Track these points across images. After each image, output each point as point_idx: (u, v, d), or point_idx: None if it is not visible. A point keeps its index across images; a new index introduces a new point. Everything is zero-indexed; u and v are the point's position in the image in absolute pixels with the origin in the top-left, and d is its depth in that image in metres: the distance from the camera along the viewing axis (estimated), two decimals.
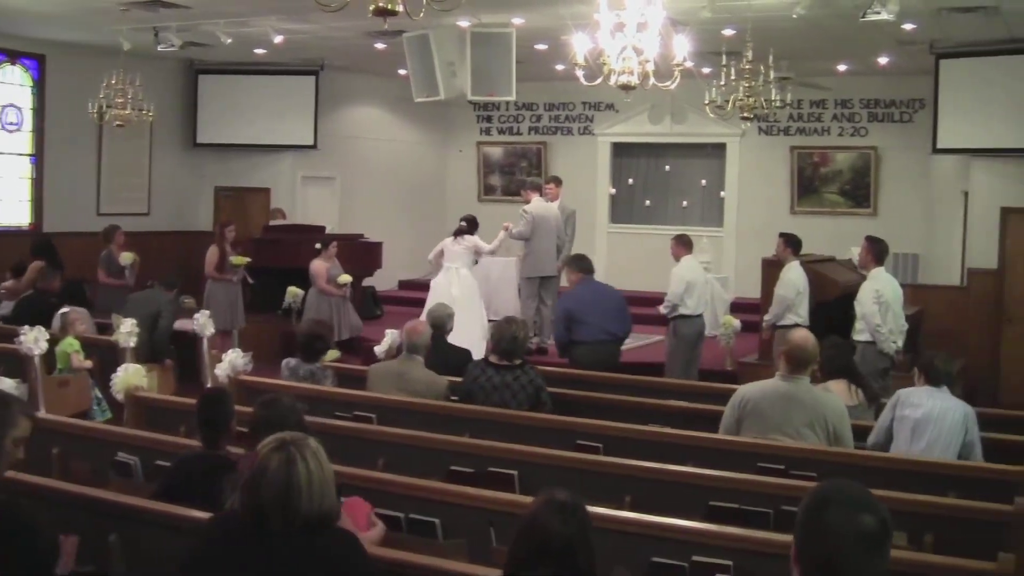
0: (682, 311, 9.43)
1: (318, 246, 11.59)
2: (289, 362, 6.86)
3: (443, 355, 7.11)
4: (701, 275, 9.70)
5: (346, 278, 11.55)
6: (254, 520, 2.88)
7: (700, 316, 9.60)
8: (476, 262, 11.33)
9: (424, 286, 12.23)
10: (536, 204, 11.10)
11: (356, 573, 2.94)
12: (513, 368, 6.30)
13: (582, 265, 8.71)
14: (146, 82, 11.71)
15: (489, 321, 10.28)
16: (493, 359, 6.39)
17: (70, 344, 8.04)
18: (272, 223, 13.98)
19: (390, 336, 7.86)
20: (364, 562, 2.97)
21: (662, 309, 9.56)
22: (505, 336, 6.32)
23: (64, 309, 8.33)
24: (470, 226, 11.18)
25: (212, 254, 11.55)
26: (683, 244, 9.72)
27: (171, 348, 9.38)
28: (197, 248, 12.04)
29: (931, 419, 5.46)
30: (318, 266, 11.42)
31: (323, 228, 13.87)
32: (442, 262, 11.03)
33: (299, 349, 6.87)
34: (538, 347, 10.97)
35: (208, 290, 11.49)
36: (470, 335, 9.61)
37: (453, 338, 7.64)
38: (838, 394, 5.84)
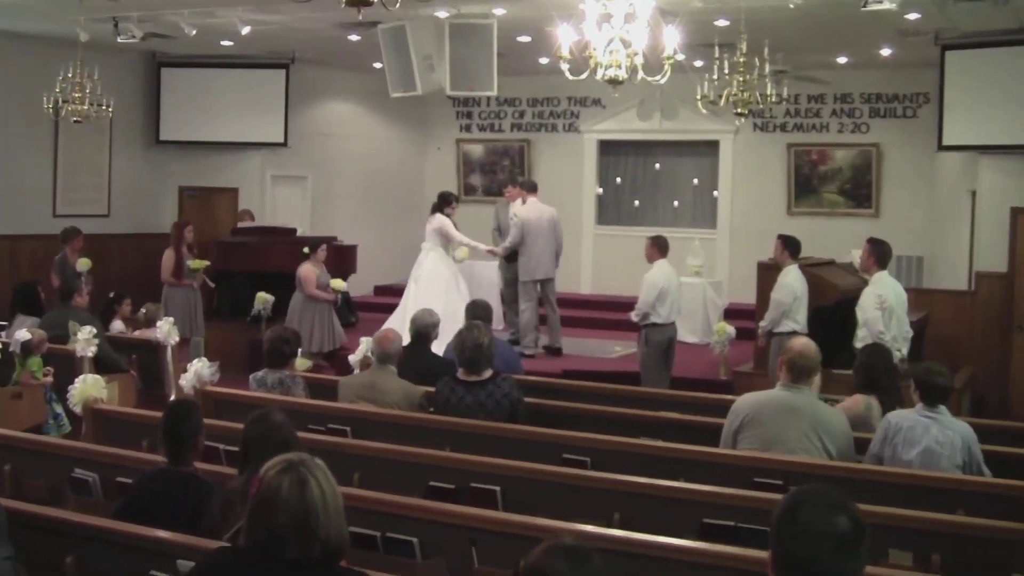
0: (653, 319, 9.59)
1: (306, 250, 11.62)
2: (257, 374, 6.84)
3: (426, 365, 7.10)
4: (675, 281, 9.82)
5: (340, 284, 11.55)
6: (267, 549, 2.83)
7: (672, 324, 9.77)
8: (462, 249, 11.55)
9: (398, 291, 12.27)
10: (526, 207, 11.25)
11: None
12: (484, 384, 6.18)
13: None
14: (105, 76, 11.64)
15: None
16: (461, 374, 6.26)
17: (35, 363, 7.98)
18: (240, 225, 13.96)
19: (365, 345, 7.84)
20: None
21: (633, 316, 9.76)
22: (467, 345, 6.18)
23: (22, 333, 8.13)
24: (439, 202, 11.31)
25: (168, 258, 11.52)
26: (658, 247, 9.85)
27: (130, 358, 9.32)
28: (160, 252, 12.01)
29: (927, 462, 5.30)
30: (307, 271, 11.42)
31: (294, 230, 13.85)
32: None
33: (265, 356, 6.84)
34: (548, 348, 11.15)
35: (165, 296, 11.46)
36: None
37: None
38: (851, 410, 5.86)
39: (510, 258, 11.77)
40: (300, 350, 11.15)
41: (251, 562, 2.86)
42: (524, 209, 11.41)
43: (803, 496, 2.40)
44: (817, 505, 2.35)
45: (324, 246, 11.66)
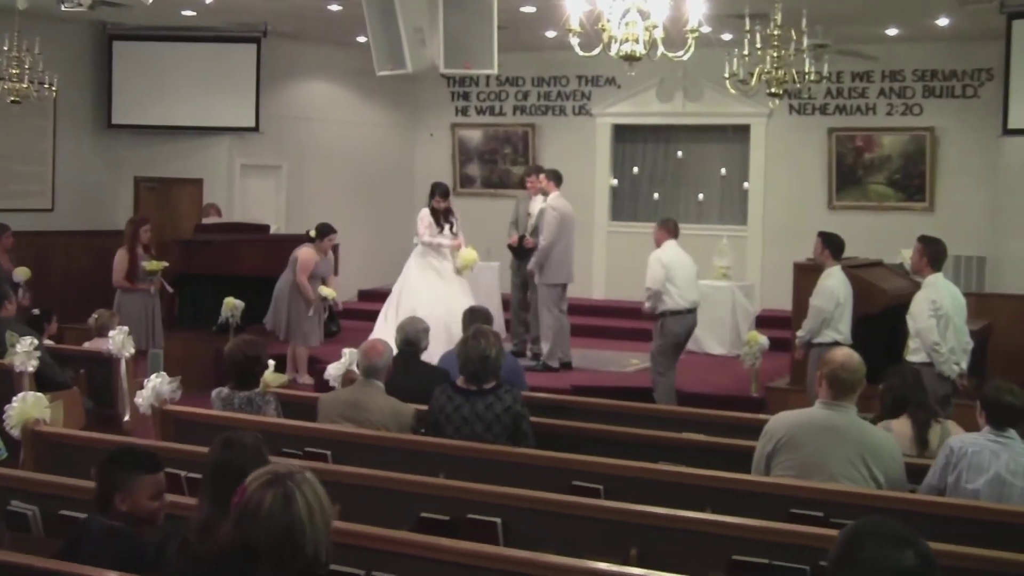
0: (669, 304, 9.85)
1: (312, 232, 11.67)
2: (221, 391, 6.81)
3: (417, 377, 7.12)
4: (686, 260, 10.12)
5: (330, 292, 11.57)
6: (241, 563, 2.94)
7: (692, 312, 10.07)
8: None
9: (385, 296, 12.27)
10: (560, 200, 11.59)
11: None
12: (485, 394, 6.21)
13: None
14: (48, 49, 11.65)
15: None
16: (461, 382, 6.31)
17: None
18: (205, 221, 13.99)
19: (348, 356, 7.83)
20: None
21: (645, 304, 10.03)
22: (472, 356, 6.19)
23: None
24: (430, 195, 11.39)
25: (121, 260, 11.54)
26: (667, 228, 10.22)
27: (78, 373, 9.31)
28: (112, 252, 12.01)
29: (995, 492, 5.29)
30: (307, 255, 11.49)
31: (266, 227, 13.89)
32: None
33: (229, 374, 6.82)
34: (561, 363, 11.24)
35: (118, 303, 11.47)
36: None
37: None
38: (899, 436, 5.87)
39: (519, 255, 11.83)
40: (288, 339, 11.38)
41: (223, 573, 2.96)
42: (559, 202, 11.59)
43: (866, 529, 2.39)
44: (882, 540, 2.34)
45: (334, 236, 11.75)
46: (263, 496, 2.99)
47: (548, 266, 11.49)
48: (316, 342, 11.76)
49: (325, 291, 11.60)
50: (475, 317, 7.82)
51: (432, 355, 8.23)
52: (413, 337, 7.39)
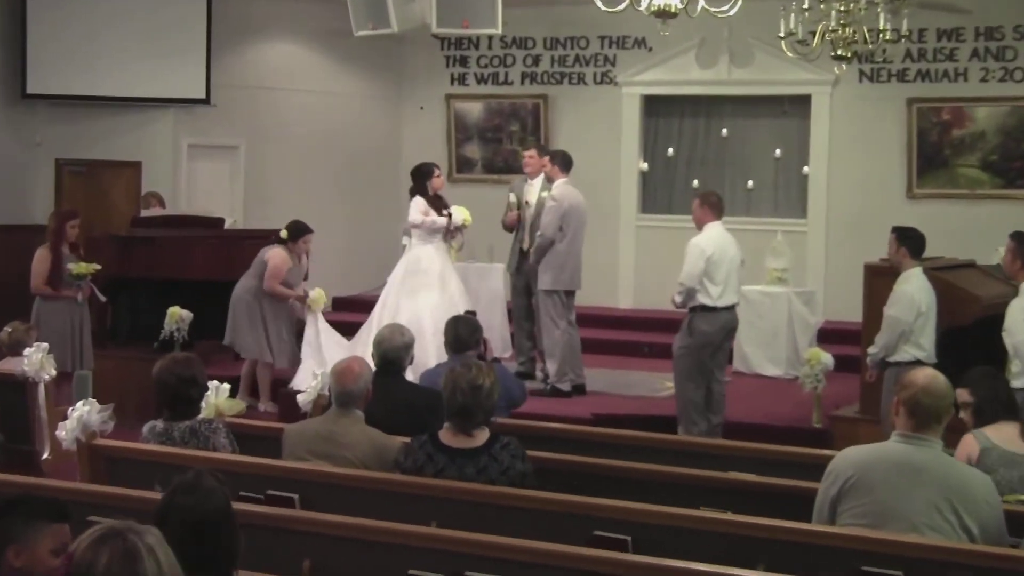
0: (702, 300, 9.83)
1: (283, 233, 11.67)
2: (155, 426, 6.80)
3: (402, 400, 7.14)
4: (731, 251, 10.07)
5: (319, 296, 11.56)
6: None
7: (730, 309, 10.05)
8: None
9: (366, 305, 12.28)
10: (565, 189, 11.50)
11: None
12: (475, 454, 6.10)
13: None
14: None
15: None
16: (445, 435, 6.18)
17: None
18: (144, 214, 14.00)
19: (320, 380, 7.84)
20: None
21: (676, 298, 10.03)
22: (460, 385, 6.09)
23: None
24: (414, 182, 11.55)
25: (42, 261, 11.55)
26: (710, 205, 10.13)
27: None
28: (30, 251, 12.03)
29: None
30: (279, 259, 11.50)
31: (220, 221, 13.86)
32: None
33: (162, 404, 6.81)
34: (573, 386, 11.39)
35: (37, 313, 11.48)
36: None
37: None
38: (1009, 442, 5.85)
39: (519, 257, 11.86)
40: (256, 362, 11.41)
41: None
42: (565, 191, 11.55)
43: None
44: None
45: (309, 237, 11.72)
46: (96, 555, 2.93)
47: (548, 269, 11.48)
48: (286, 363, 11.70)
49: (316, 296, 11.55)
50: (459, 328, 7.87)
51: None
52: (393, 355, 7.37)
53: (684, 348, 10.01)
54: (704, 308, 9.85)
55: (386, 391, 7.09)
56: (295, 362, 11.64)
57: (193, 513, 3.92)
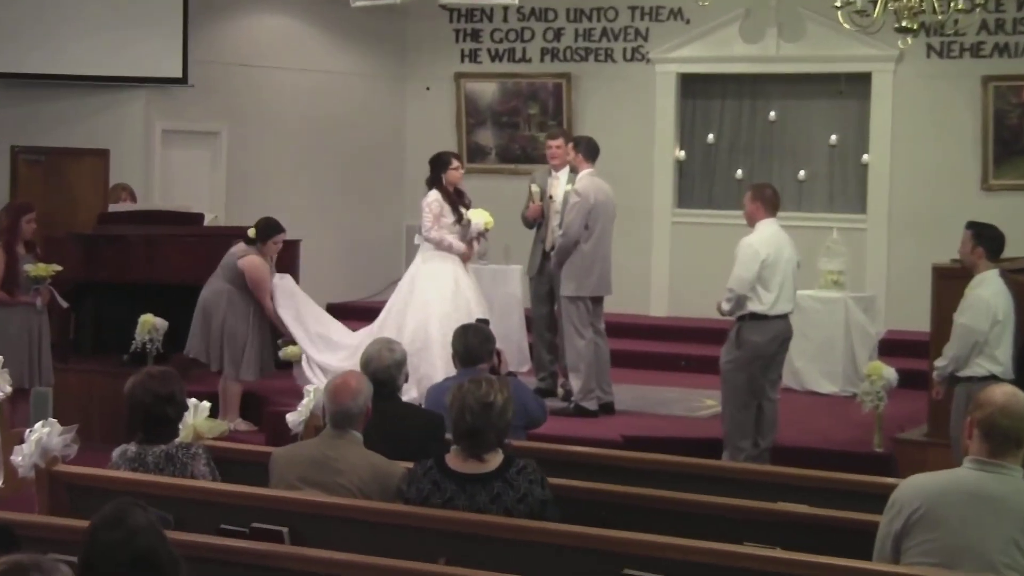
0: (752, 307, 9.80)
1: (251, 233, 11.61)
2: (126, 450, 6.80)
3: (398, 424, 7.15)
4: (787, 252, 10.04)
5: (295, 352, 11.58)
6: None
7: (784, 318, 10.01)
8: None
9: (367, 314, 12.27)
10: (589, 181, 11.47)
11: None
12: (488, 480, 6.08)
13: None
14: None
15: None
16: (453, 459, 6.16)
17: None
18: (113, 208, 14.06)
19: (312, 397, 7.85)
20: None
21: (724, 305, 9.98)
22: (468, 405, 6.07)
23: None
24: (431, 172, 11.61)
25: None
26: (763, 200, 10.13)
27: None
28: None
29: None
30: (257, 267, 11.45)
31: (199, 216, 13.88)
32: None
33: (135, 426, 6.80)
34: (600, 404, 11.42)
35: None
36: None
37: None
38: None
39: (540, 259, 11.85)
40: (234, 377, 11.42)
41: None
42: (590, 183, 11.51)
43: None
44: None
45: (280, 236, 11.66)
46: None
47: (572, 273, 11.44)
48: (252, 376, 11.64)
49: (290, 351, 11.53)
50: (468, 338, 7.89)
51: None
52: (383, 375, 7.35)
53: (732, 362, 9.97)
54: (754, 316, 9.82)
55: (380, 415, 7.06)
56: (265, 374, 11.67)
57: (123, 552, 3.90)
